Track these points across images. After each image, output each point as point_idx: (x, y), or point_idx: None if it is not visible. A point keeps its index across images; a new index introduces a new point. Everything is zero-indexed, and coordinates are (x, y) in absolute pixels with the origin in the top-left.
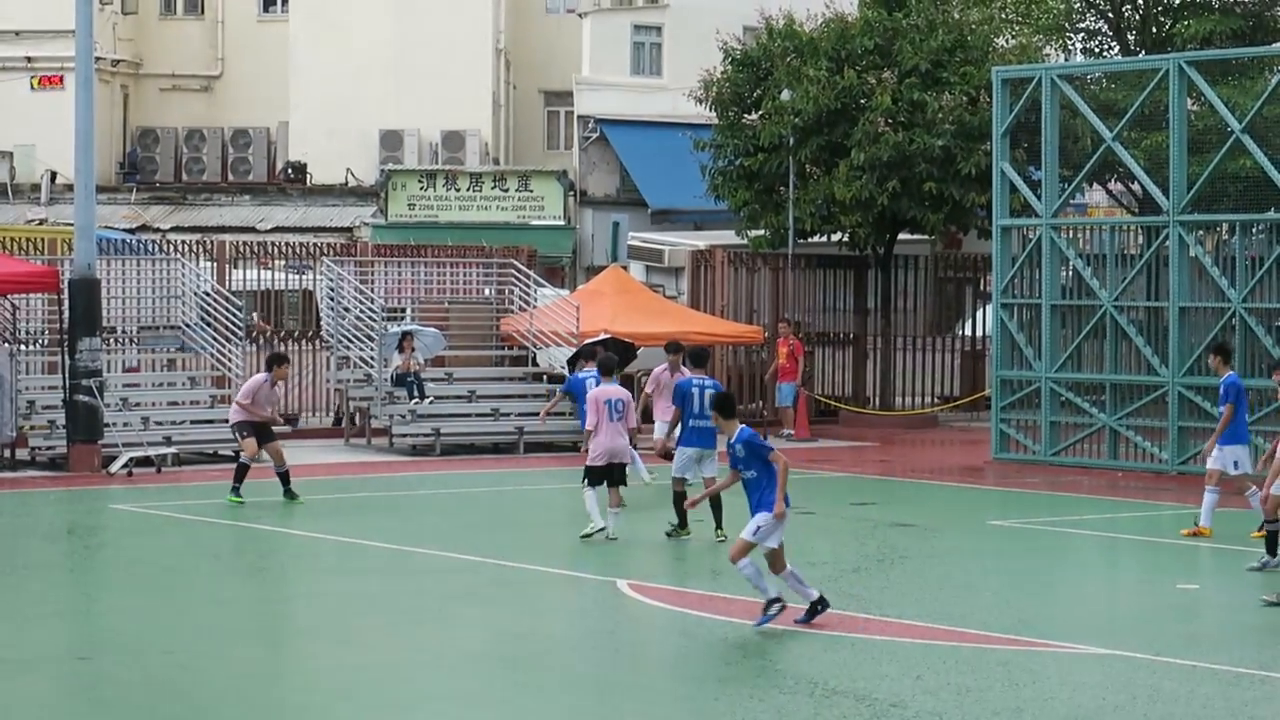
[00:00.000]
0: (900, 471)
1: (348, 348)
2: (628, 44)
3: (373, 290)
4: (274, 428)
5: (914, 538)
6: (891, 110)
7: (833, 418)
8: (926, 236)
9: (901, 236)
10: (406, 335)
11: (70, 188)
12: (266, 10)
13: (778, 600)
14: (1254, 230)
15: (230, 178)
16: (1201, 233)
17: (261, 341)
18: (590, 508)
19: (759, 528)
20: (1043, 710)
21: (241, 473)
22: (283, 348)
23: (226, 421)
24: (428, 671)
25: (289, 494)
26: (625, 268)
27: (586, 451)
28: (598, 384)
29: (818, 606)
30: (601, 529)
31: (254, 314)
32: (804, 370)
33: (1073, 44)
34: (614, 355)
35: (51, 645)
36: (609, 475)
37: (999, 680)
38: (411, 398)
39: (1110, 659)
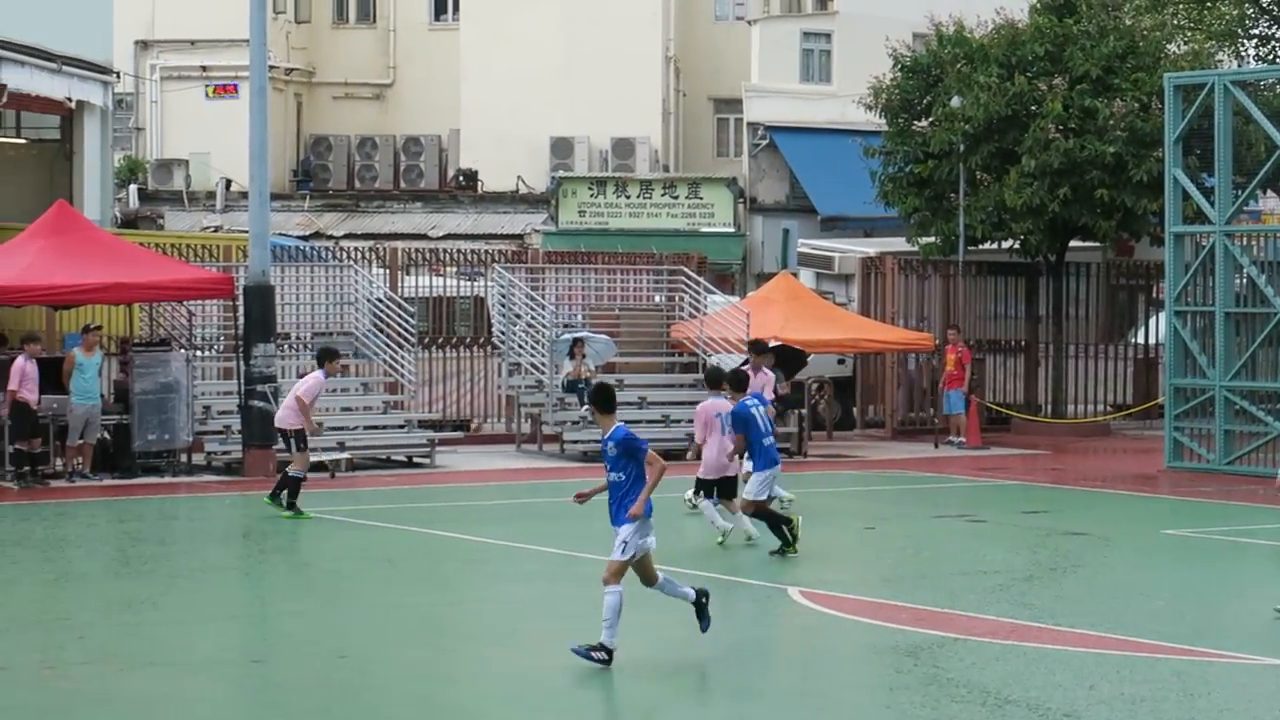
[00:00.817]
0: (1072, 479)
1: (519, 354)
2: (797, 51)
3: (543, 297)
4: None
5: (1086, 546)
6: (1062, 117)
7: (1004, 425)
8: (1098, 243)
9: (1073, 243)
10: (578, 341)
11: (245, 195)
12: (438, 18)
13: (608, 651)
14: None
15: (402, 185)
16: None
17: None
18: (710, 515)
19: (625, 543)
20: None
21: (295, 486)
22: (454, 354)
23: (401, 426)
24: (595, 678)
25: (282, 502)
26: (795, 274)
27: (699, 463)
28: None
29: (702, 599)
30: (729, 529)
31: None
32: (971, 377)
33: (1245, 50)
34: (720, 367)
35: (226, 648)
36: (720, 487)
37: (1173, 691)
38: (583, 404)
39: None
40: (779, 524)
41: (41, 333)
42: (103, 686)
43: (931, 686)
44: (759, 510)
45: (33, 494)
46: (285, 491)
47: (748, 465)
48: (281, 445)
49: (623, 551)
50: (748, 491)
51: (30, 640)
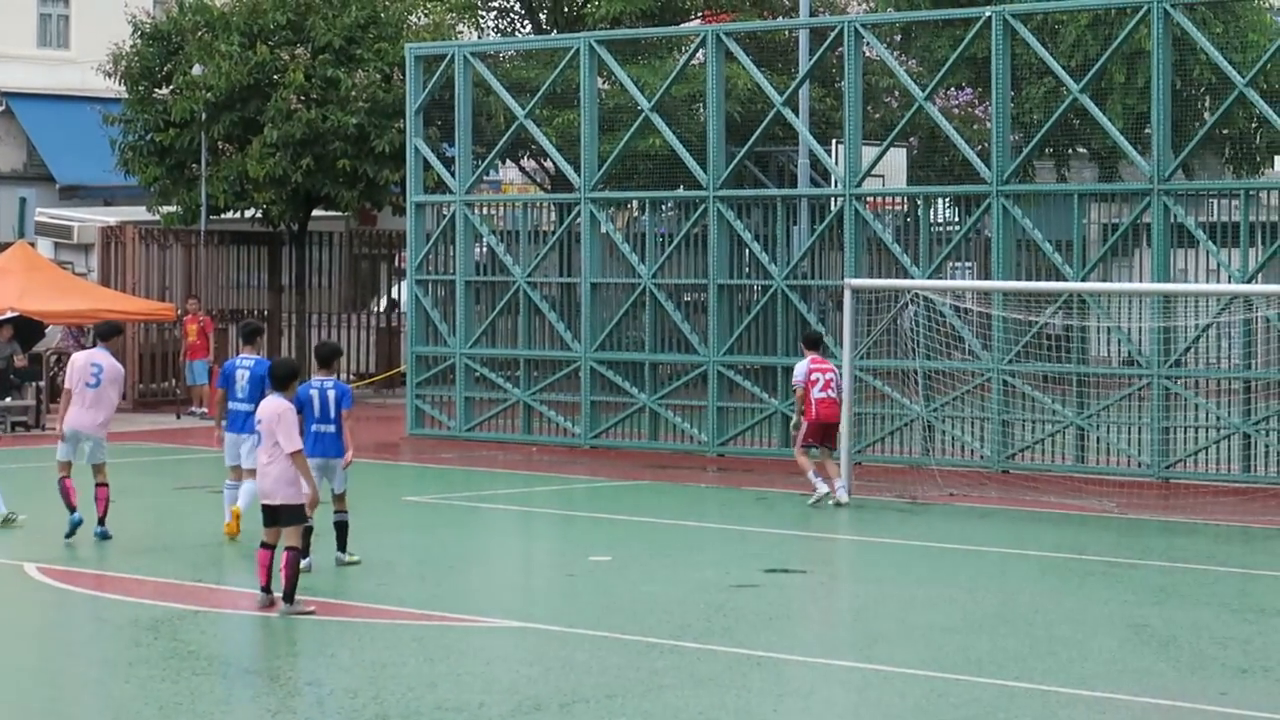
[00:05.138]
0: None
1: None
2: (34, 15)
3: None
4: None
5: (322, 515)
6: (305, 87)
7: None
8: (341, 213)
9: (316, 213)
10: None
11: None
12: None
13: None
14: (664, 207)
15: None
16: (613, 210)
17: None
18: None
19: None
20: (456, 684)
21: None
22: None
23: None
24: None
25: None
26: (33, 244)
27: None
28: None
29: None
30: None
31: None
32: (213, 347)
33: (486, 22)
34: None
35: None
36: None
37: (414, 656)
38: None
39: (524, 631)
40: None
41: None
42: None
43: (173, 660)
44: None
45: None
46: None
47: None
48: None
49: None
50: None
51: None
